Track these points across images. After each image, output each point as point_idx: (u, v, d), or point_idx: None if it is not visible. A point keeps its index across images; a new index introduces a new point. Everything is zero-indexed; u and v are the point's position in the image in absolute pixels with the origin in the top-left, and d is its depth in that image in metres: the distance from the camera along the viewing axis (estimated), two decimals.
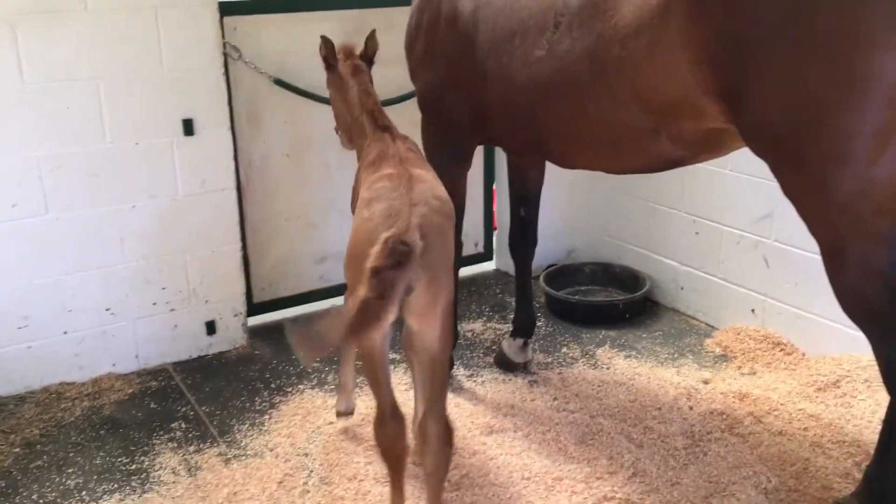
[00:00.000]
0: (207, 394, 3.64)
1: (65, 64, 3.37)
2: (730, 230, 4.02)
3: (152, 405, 3.56)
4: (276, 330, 4.27)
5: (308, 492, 2.91)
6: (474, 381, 3.68)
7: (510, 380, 3.69)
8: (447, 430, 2.44)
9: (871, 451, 2.96)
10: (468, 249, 4.97)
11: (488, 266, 5.12)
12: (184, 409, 3.52)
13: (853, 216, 2.09)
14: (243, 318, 4.06)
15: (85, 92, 3.43)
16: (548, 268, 4.91)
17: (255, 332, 4.18)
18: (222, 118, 3.74)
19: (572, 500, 2.79)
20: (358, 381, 3.61)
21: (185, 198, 3.74)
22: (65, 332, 3.62)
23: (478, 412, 3.39)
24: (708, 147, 2.60)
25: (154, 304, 3.78)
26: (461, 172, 3.43)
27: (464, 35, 3.04)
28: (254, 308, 4.25)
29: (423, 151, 3.48)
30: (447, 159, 3.37)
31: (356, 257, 2.23)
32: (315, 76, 4.07)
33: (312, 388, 3.67)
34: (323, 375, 3.79)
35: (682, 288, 4.37)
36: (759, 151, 2.31)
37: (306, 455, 3.13)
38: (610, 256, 4.80)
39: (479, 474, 2.94)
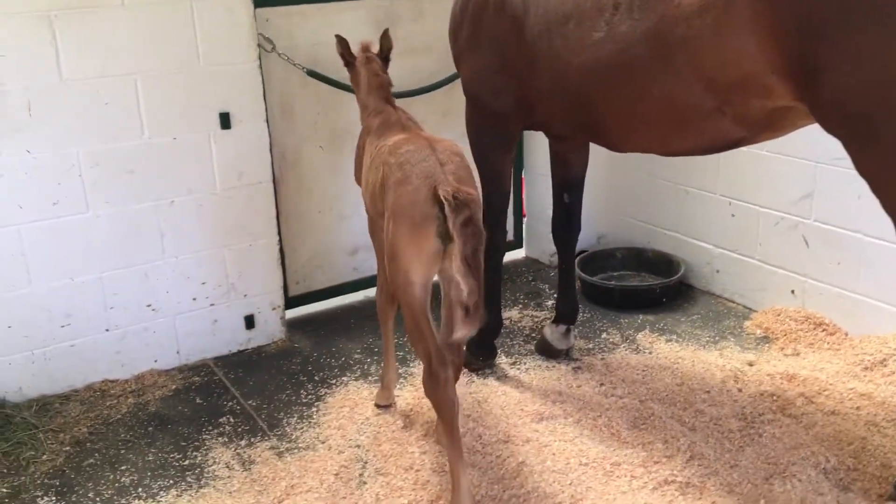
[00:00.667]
0: (252, 388, 3.63)
1: (102, 60, 3.34)
2: (768, 211, 4.00)
3: (198, 400, 3.55)
4: (312, 322, 4.27)
5: (365, 483, 2.90)
6: (518, 369, 3.67)
7: (554, 366, 3.68)
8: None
9: None
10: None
11: (518, 254, 5.11)
12: (230, 403, 3.52)
13: None
14: (282, 311, 4.05)
15: (122, 87, 3.40)
16: (579, 253, 4.90)
17: (292, 326, 4.17)
18: (258, 111, 3.72)
19: (632, 484, 2.79)
20: (400, 372, 3.61)
21: (223, 192, 3.72)
22: (106, 330, 3.61)
23: (525, 399, 3.38)
24: (771, 126, 2.58)
25: (194, 299, 3.77)
26: (507, 159, 3.41)
27: (513, 19, 3.02)
28: (289, 302, 4.23)
29: (468, 139, 3.48)
30: (493, 145, 3.36)
31: (407, 218, 2.43)
32: None
33: (356, 379, 3.66)
34: (366, 367, 3.78)
35: (717, 271, 4.35)
36: (833, 129, 2.29)
37: (359, 447, 3.12)
38: (641, 241, 4.78)
39: (536, 461, 2.93)
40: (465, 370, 3.66)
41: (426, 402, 3.27)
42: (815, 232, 3.81)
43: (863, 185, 3.52)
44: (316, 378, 3.70)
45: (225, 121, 3.62)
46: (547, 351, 3.76)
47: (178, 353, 3.80)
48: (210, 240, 3.74)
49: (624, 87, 2.69)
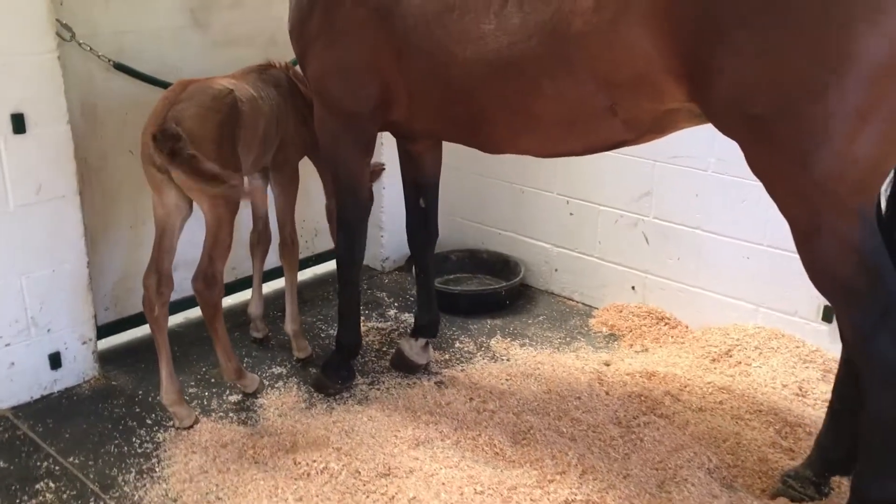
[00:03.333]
0: (70, 441, 3.06)
1: None
2: (607, 209, 4.05)
3: (1, 463, 2.92)
4: (129, 354, 3.71)
5: None
6: (378, 390, 3.41)
7: (415, 383, 3.46)
8: (207, 280, 2.99)
9: (786, 418, 3.11)
10: (325, 246, 4.63)
11: None
12: (45, 463, 2.93)
13: (831, 194, 2.10)
14: (93, 345, 3.46)
15: None
16: (410, 258, 4.71)
17: (105, 360, 3.59)
18: (59, 111, 3.13)
19: None
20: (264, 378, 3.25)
21: (18, 209, 3.09)
22: None
23: (395, 424, 3.13)
24: (656, 128, 2.53)
25: None
26: (366, 163, 3.13)
27: (377, 9, 2.73)
28: (98, 331, 3.63)
29: (319, 143, 3.16)
30: (350, 149, 3.06)
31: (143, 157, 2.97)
32: (161, 59, 3.57)
33: (198, 415, 3.19)
34: (205, 401, 3.33)
35: (556, 270, 4.35)
36: (729, 131, 2.26)
37: (220, 499, 2.71)
38: (473, 242, 4.68)
39: (428, 495, 2.69)
40: (323, 396, 3.34)
41: (291, 442, 2.95)
42: (655, 229, 3.90)
43: (701, 183, 3.68)
44: (148, 421, 3.19)
45: (18, 124, 3.01)
46: (405, 366, 3.53)
47: None
48: (3, 268, 3.09)
49: (514, 83, 2.52)
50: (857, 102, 1.99)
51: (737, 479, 2.82)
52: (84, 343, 3.41)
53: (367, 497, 2.71)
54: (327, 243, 4.64)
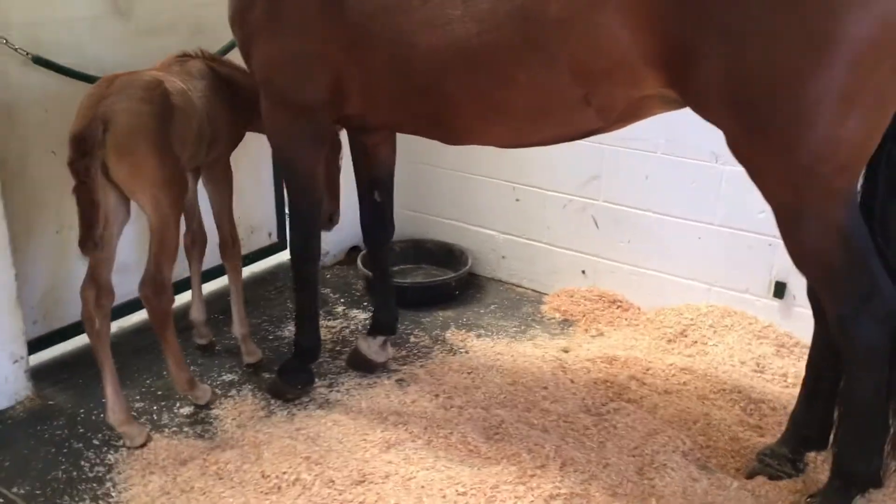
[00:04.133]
0: (11, 470, 2.81)
1: None
2: (555, 194, 4.01)
3: None
4: (63, 370, 3.46)
5: None
6: (338, 392, 3.28)
7: (375, 382, 3.35)
8: (156, 286, 2.82)
9: (749, 395, 3.16)
10: (260, 243, 4.45)
11: (284, 256, 4.62)
12: None
13: (817, 177, 2.10)
14: (26, 363, 3.20)
15: None
16: (350, 251, 4.59)
17: (37, 378, 3.32)
18: None
19: None
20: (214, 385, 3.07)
21: None
22: None
23: (362, 427, 3.01)
24: (627, 116, 2.49)
25: None
26: (319, 158, 2.97)
27: None
28: (27, 348, 3.36)
29: (269, 141, 2.99)
30: (302, 144, 2.91)
31: None
32: (79, 50, 3.32)
33: (150, 432, 3.00)
34: (154, 416, 3.13)
35: (503, 257, 4.30)
36: (712, 116, 2.24)
37: None
38: (416, 232, 4.57)
39: (409, 501, 2.60)
40: (283, 402, 3.19)
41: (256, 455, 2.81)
42: (605, 212, 3.89)
43: (650, 165, 3.69)
44: (95, 442, 2.97)
45: None
46: (363, 366, 3.42)
47: None
48: None
49: (483, 72, 2.42)
50: (843, 85, 1.99)
51: (710, 459, 2.84)
52: (15, 362, 3.15)
53: None
54: (263, 240, 4.47)
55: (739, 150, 2.23)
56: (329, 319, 3.91)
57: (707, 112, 2.24)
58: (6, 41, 3.01)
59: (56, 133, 3.32)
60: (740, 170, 2.27)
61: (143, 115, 2.69)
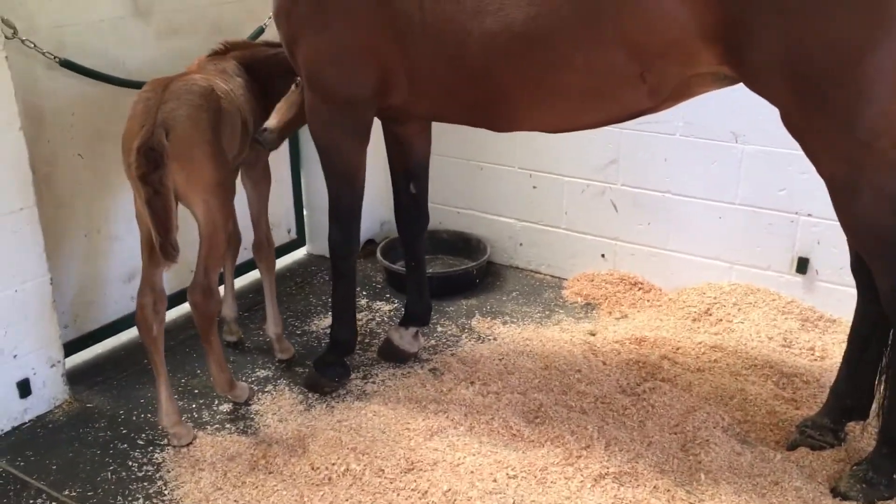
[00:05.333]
0: (60, 473, 2.83)
1: None
2: (572, 180, 4.05)
3: None
4: (97, 372, 3.47)
5: None
6: (374, 384, 3.31)
7: (409, 373, 3.38)
8: (204, 291, 2.81)
9: (781, 370, 3.22)
10: (281, 238, 4.46)
11: (301, 252, 4.64)
12: (38, 500, 2.69)
13: (873, 150, 2.14)
14: (62, 367, 3.21)
15: None
16: (366, 244, 4.61)
17: (72, 381, 3.31)
18: (10, 117, 2.86)
19: (570, 486, 2.63)
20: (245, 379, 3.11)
21: None
22: None
23: (403, 416, 3.05)
24: (680, 94, 2.50)
25: None
26: (363, 151, 2.97)
27: None
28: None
29: (311, 134, 2.99)
30: (347, 137, 2.92)
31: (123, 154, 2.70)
32: (105, 52, 3.33)
33: (193, 430, 3.02)
34: (195, 413, 3.15)
35: (521, 244, 4.33)
36: (768, 93, 2.27)
37: None
38: (430, 223, 4.57)
39: (462, 485, 2.64)
40: (320, 395, 3.22)
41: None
42: (623, 196, 3.94)
43: (669, 147, 3.73)
44: (140, 442, 2.99)
45: None
46: (395, 356, 3.44)
47: None
48: None
49: (539, 56, 2.43)
50: None
51: (749, 433, 2.90)
52: (52, 366, 3.16)
53: (399, 495, 2.63)
54: (282, 237, 4.48)
55: (795, 125, 2.26)
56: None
57: (763, 89, 2.27)
58: (34, 45, 3.00)
59: (83, 136, 3.34)
60: (761, 149, 2.33)
61: (202, 122, 2.69)
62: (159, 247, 2.54)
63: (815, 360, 3.29)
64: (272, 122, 3.05)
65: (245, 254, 3.69)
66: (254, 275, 4.25)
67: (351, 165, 2.95)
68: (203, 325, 2.86)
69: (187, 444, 2.92)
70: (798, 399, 3.05)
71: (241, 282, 4.08)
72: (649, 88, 2.42)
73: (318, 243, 4.57)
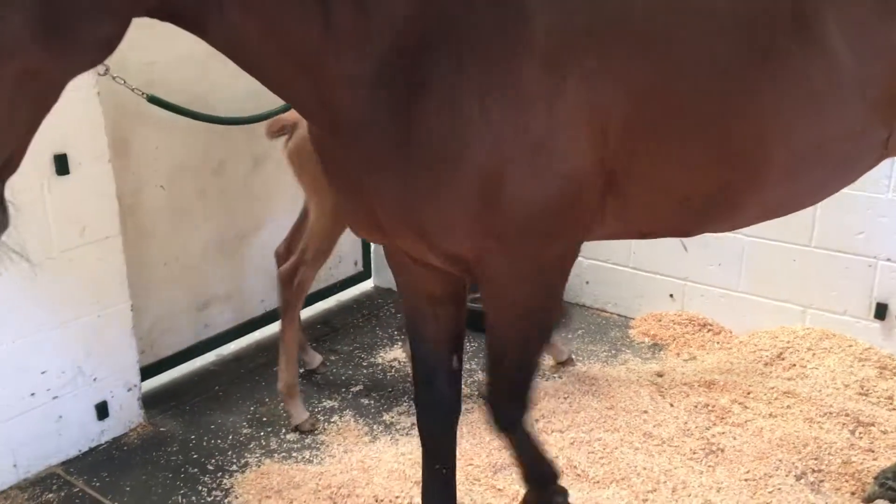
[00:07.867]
0: (133, 494, 2.91)
1: None
2: None
3: None
4: (171, 397, 3.56)
5: None
6: None
7: (472, 407, 3.38)
8: (290, 273, 3.20)
9: (858, 418, 3.12)
10: (348, 271, 4.54)
11: (367, 285, 4.71)
12: None
13: None
14: (138, 391, 3.31)
15: None
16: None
17: (147, 405, 3.41)
18: (100, 149, 3.00)
19: None
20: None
21: (63, 253, 2.94)
22: None
23: (465, 451, 3.04)
24: None
25: (32, 394, 2.94)
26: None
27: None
28: None
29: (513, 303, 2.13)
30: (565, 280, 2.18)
31: None
32: (189, 88, 3.46)
33: (261, 457, 3.08)
34: (263, 441, 3.20)
35: (587, 282, 4.32)
36: None
37: None
38: None
39: None
40: (383, 427, 3.25)
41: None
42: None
43: None
44: (210, 467, 3.05)
45: (62, 164, 2.86)
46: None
47: (14, 466, 2.94)
48: (49, 316, 2.94)
49: (808, 120, 1.92)
50: None
51: (823, 483, 2.82)
52: (129, 390, 3.26)
53: None
54: (349, 269, 4.56)
55: None
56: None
57: None
58: (124, 81, 3.15)
59: (165, 168, 3.47)
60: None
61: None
62: None
63: (894, 409, 3.18)
64: None
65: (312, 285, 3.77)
66: (320, 306, 4.35)
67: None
68: (283, 306, 3.25)
69: (307, 431, 3.22)
70: (875, 449, 2.95)
71: (307, 312, 4.16)
72: (880, 156, 2.11)
73: (383, 275, 4.63)
